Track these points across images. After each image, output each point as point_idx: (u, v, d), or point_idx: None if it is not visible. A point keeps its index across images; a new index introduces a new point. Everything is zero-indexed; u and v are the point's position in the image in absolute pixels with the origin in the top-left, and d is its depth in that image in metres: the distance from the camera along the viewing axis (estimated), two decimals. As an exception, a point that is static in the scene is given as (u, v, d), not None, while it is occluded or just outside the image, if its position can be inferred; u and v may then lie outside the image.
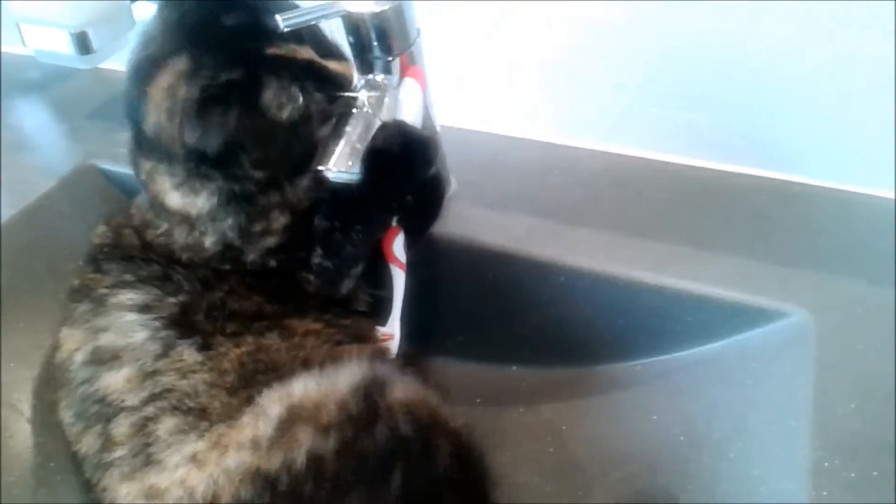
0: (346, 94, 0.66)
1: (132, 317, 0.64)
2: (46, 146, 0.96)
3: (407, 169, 0.67)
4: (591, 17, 0.78)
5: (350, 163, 0.63)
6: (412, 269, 0.78)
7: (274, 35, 0.62)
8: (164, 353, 0.62)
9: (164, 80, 0.62)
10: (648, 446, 0.68)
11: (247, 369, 0.62)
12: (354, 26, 0.65)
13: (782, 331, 0.67)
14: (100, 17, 0.90)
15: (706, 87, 0.78)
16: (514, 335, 0.80)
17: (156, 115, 0.62)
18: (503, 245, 0.77)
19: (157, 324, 0.64)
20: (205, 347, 0.63)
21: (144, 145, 0.66)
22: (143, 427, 0.59)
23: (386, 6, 0.63)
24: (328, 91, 0.65)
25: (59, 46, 0.90)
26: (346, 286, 0.70)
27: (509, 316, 0.79)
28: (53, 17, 0.89)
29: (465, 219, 0.80)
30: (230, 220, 0.66)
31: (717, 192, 0.80)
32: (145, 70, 0.63)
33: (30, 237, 0.82)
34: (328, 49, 0.67)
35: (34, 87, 1.05)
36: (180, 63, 0.61)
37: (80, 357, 0.64)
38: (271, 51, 0.63)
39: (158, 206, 0.68)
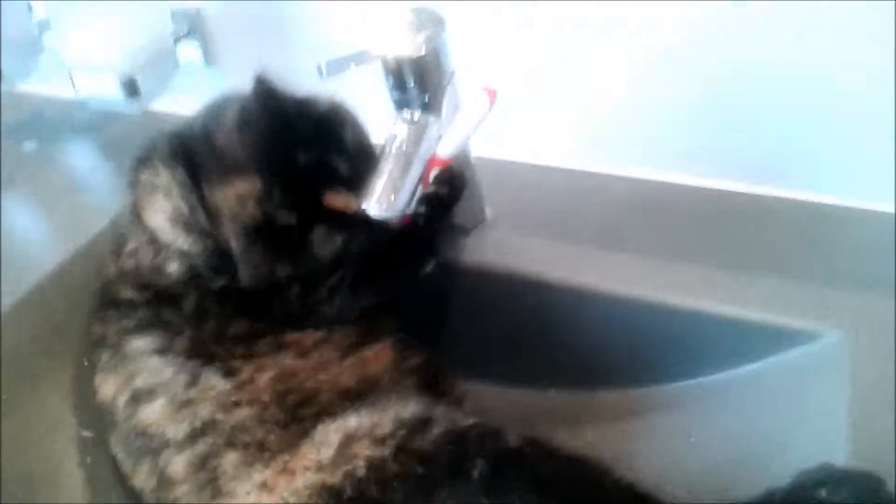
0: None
1: (156, 359, 0.68)
2: (98, 187, 0.99)
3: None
4: (620, 47, 0.81)
5: (392, 199, 0.65)
6: (450, 298, 0.81)
7: (337, 181, 0.70)
8: (194, 382, 0.66)
9: (237, 188, 0.69)
10: (689, 468, 0.70)
11: (287, 402, 0.64)
12: (392, 67, 0.67)
13: (818, 351, 0.68)
14: (146, 61, 0.94)
15: (739, 111, 0.80)
16: (553, 360, 0.81)
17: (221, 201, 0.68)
18: (540, 272, 0.79)
19: (179, 359, 0.67)
20: (229, 373, 0.66)
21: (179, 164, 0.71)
22: (203, 464, 0.62)
23: (422, 52, 0.65)
24: (369, 238, 0.71)
25: (108, 91, 0.95)
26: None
27: (548, 342, 0.81)
28: (103, 62, 0.94)
29: (501, 247, 0.82)
30: (201, 253, 0.70)
31: (748, 214, 0.81)
32: (212, 162, 0.71)
33: (86, 277, 0.85)
34: None
35: (83, 129, 1.09)
36: (253, 183, 0.69)
37: (122, 400, 0.68)
38: (330, 199, 0.70)
39: (135, 216, 0.73)
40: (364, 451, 0.59)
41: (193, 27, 1.01)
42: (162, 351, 0.68)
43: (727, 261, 0.76)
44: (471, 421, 0.61)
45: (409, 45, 0.66)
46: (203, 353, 0.67)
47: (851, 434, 0.61)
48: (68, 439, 0.76)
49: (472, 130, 0.71)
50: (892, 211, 0.78)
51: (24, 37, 1.01)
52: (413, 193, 0.67)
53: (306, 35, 0.93)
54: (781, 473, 0.63)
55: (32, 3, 1.01)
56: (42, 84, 1.13)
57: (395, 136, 0.69)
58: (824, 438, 0.63)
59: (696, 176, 0.86)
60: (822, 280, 0.72)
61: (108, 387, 0.69)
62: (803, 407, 0.67)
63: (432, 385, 0.71)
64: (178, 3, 0.99)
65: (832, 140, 0.78)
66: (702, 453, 0.71)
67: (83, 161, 1.06)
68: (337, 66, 0.63)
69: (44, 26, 1.03)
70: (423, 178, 0.70)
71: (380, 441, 0.59)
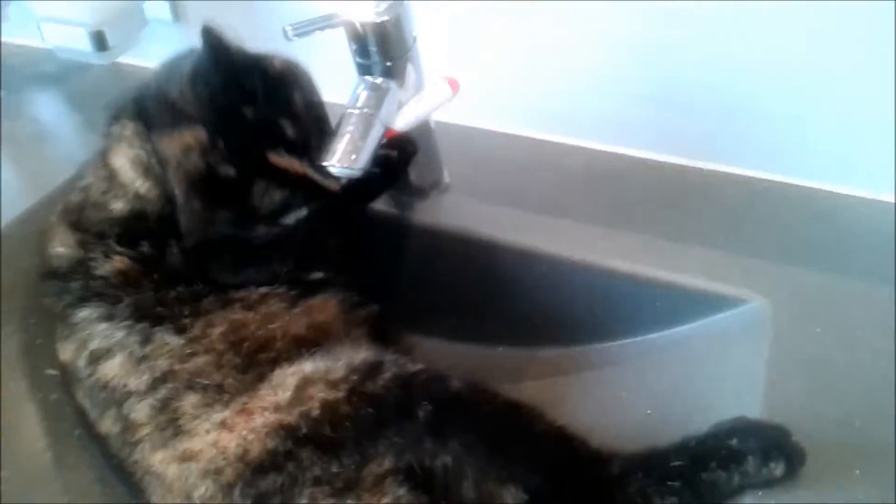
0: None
1: (104, 325, 0.70)
2: (66, 136, 1.01)
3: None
4: (582, 21, 0.84)
5: (353, 158, 0.69)
6: (405, 257, 0.85)
7: (282, 141, 0.73)
8: (147, 341, 0.69)
9: (183, 138, 0.72)
10: (619, 419, 0.75)
11: (243, 349, 0.68)
12: (356, 34, 0.71)
13: (743, 316, 0.73)
14: (115, 17, 0.95)
15: (692, 90, 0.84)
16: (500, 318, 0.86)
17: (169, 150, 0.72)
18: (491, 235, 0.83)
19: (127, 322, 0.70)
20: (180, 331, 0.69)
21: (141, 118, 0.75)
22: (165, 406, 0.65)
23: (385, 17, 0.69)
24: (313, 199, 0.75)
25: (78, 43, 0.96)
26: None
27: (496, 301, 0.86)
28: (72, 15, 0.95)
29: (456, 210, 0.86)
30: (153, 200, 0.74)
31: (690, 188, 0.86)
32: (165, 115, 0.74)
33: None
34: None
35: (50, 79, 1.11)
36: (199, 134, 0.72)
37: (81, 362, 0.71)
38: (273, 159, 0.72)
39: (100, 158, 0.77)
40: (319, 393, 0.63)
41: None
42: (108, 318, 0.70)
43: (667, 232, 0.80)
44: (418, 367, 0.65)
45: (372, 12, 0.69)
46: (149, 315, 0.70)
47: (766, 392, 0.66)
48: (31, 378, 0.79)
49: (429, 113, 0.75)
50: (820, 188, 0.83)
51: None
52: (372, 154, 0.70)
53: (274, 15, 0.95)
54: (702, 425, 0.68)
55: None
56: (9, 36, 1.13)
57: (357, 99, 0.72)
58: (742, 395, 0.68)
59: (644, 150, 0.90)
60: (750, 253, 0.77)
61: (65, 352, 0.72)
62: (726, 367, 0.72)
63: (381, 335, 0.75)
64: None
65: (768, 119, 0.83)
66: (632, 406, 0.76)
67: (50, 111, 1.08)
68: (302, 29, 0.66)
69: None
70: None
71: (333, 385, 0.63)
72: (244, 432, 0.62)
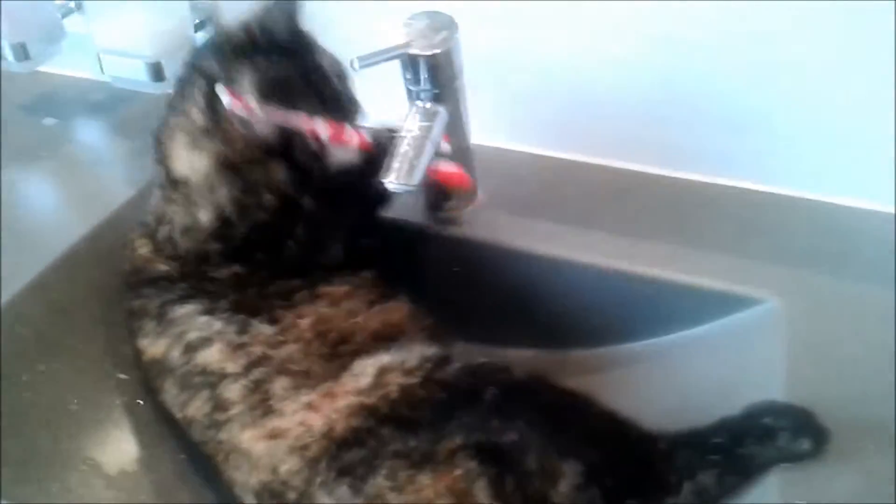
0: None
1: (203, 318, 0.77)
2: (116, 162, 1.08)
3: None
4: (601, 49, 0.92)
5: (410, 175, 0.76)
6: (443, 268, 0.92)
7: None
8: (244, 330, 0.75)
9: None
10: (651, 412, 0.81)
11: (328, 340, 0.75)
12: (411, 64, 0.79)
13: (760, 315, 0.80)
14: (171, 49, 1.03)
15: (705, 110, 0.92)
16: (533, 323, 0.93)
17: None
18: (523, 245, 0.90)
19: (225, 315, 0.77)
20: (273, 321, 0.76)
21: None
22: (257, 388, 0.71)
23: (438, 51, 0.77)
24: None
25: (136, 74, 1.04)
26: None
27: (529, 307, 0.92)
28: (131, 48, 1.03)
29: (491, 224, 0.93)
30: (225, 190, 0.79)
31: (704, 201, 0.93)
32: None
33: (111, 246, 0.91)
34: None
35: (99, 108, 1.18)
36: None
37: (175, 353, 0.76)
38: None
39: (165, 180, 0.81)
40: (396, 379, 0.70)
41: (209, 17, 1.11)
42: (209, 311, 0.77)
43: (687, 240, 0.87)
44: (483, 359, 0.73)
45: (427, 45, 0.77)
46: (246, 309, 0.77)
47: (787, 380, 0.73)
48: (105, 383, 0.85)
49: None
50: (826, 200, 0.91)
51: (49, 21, 1.10)
52: (425, 169, 0.78)
53: (319, 31, 1.03)
54: (731, 412, 0.74)
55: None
56: (63, 66, 1.21)
57: (410, 122, 0.80)
58: (764, 384, 0.74)
59: (660, 167, 0.98)
60: (766, 256, 0.84)
61: (156, 347, 0.77)
62: (748, 360, 0.79)
63: (438, 338, 0.82)
64: (198, -5, 1.09)
65: (778, 138, 0.91)
66: (662, 400, 0.83)
67: (100, 137, 1.15)
68: (367, 61, 0.73)
69: (67, 11, 1.12)
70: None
71: (409, 372, 0.70)
72: (329, 412, 0.69)
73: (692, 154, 0.96)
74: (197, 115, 0.79)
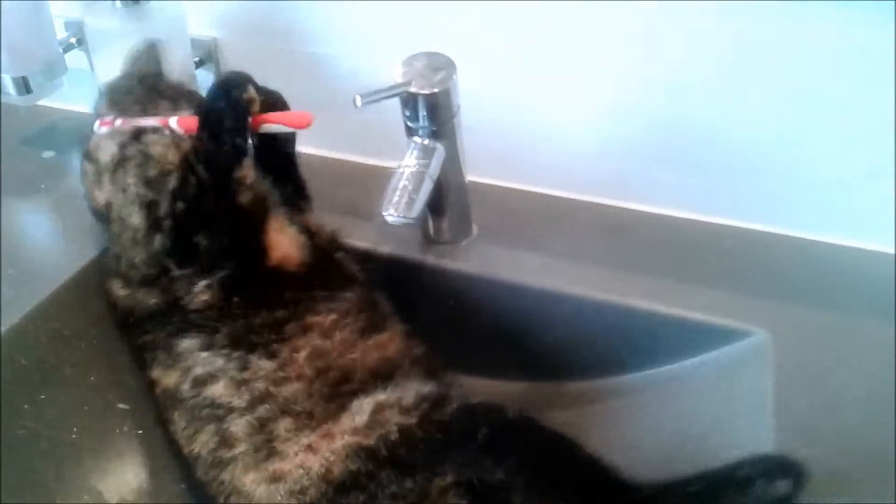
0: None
1: (205, 353, 0.78)
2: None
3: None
4: (593, 93, 0.95)
5: (409, 208, 0.78)
6: (439, 301, 0.94)
7: None
8: (244, 367, 0.76)
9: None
10: (639, 446, 0.84)
11: (329, 379, 0.76)
12: (410, 101, 0.81)
13: (748, 347, 0.83)
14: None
15: (694, 150, 0.95)
16: (526, 355, 0.95)
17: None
18: (517, 278, 0.92)
19: (224, 351, 0.78)
20: (271, 356, 0.77)
21: None
22: (262, 427, 0.73)
23: (437, 89, 0.80)
24: None
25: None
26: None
27: (523, 339, 0.94)
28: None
29: (485, 258, 0.95)
30: (138, 189, 0.83)
31: (697, 238, 0.96)
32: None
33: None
34: None
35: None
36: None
37: (185, 385, 0.77)
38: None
39: (98, 219, 0.90)
40: (394, 419, 0.71)
41: (207, 55, 1.13)
42: (208, 347, 0.78)
43: (677, 275, 0.90)
44: (478, 400, 0.75)
45: (426, 84, 0.80)
46: (243, 343, 0.78)
47: (773, 413, 0.75)
48: (106, 412, 0.86)
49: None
50: (816, 238, 0.94)
51: (50, 55, 1.11)
52: (424, 203, 0.80)
53: (312, 70, 1.06)
54: (717, 447, 0.77)
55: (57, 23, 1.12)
56: (63, 101, 1.23)
57: (409, 157, 0.82)
58: (751, 417, 0.77)
59: (650, 205, 1.00)
60: (754, 291, 0.87)
61: (169, 378, 0.79)
62: (735, 393, 0.82)
63: (431, 372, 0.83)
64: (197, 33, 1.11)
65: (767, 176, 0.94)
66: (651, 434, 0.85)
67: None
68: (369, 99, 0.76)
69: (68, 46, 1.15)
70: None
71: (406, 411, 0.72)
72: (326, 453, 0.70)
73: (685, 193, 0.98)
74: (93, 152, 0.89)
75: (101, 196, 0.87)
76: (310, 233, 0.88)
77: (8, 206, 1.04)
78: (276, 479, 0.70)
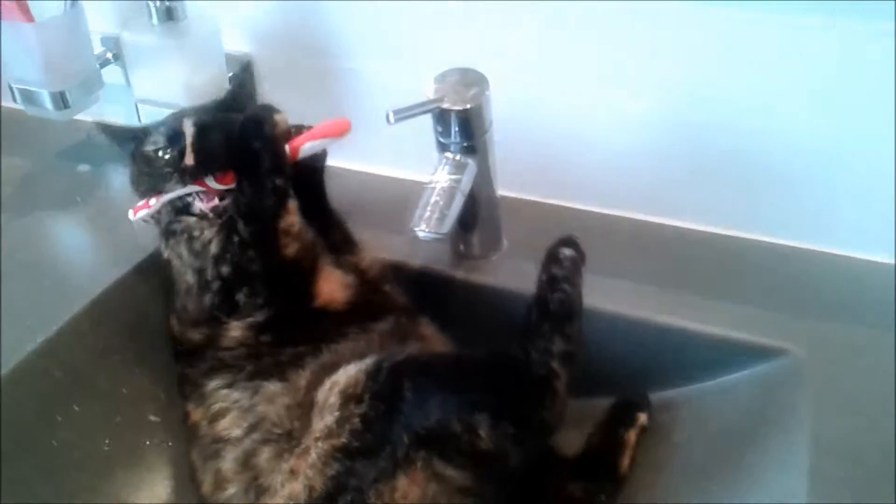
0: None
1: (225, 391, 0.80)
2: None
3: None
4: (625, 108, 0.95)
5: (440, 224, 0.78)
6: (469, 314, 0.94)
7: None
8: (256, 391, 0.78)
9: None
10: (672, 462, 0.83)
11: (315, 376, 0.77)
12: (443, 118, 0.81)
13: (785, 365, 0.81)
14: (206, 99, 1.06)
15: (726, 164, 0.94)
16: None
17: None
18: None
19: (244, 383, 0.79)
20: (283, 380, 0.78)
21: None
22: (246, 462, 0.74)
23: (469, 105, 0.80)
24: None
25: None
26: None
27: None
28: (167, 98, 1.06)
29: (515, 272, 0.95)
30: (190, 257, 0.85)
31: (732, 254, 0.95)
32: None
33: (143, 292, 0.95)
34: None
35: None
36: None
37: (204, 423, 0.80)
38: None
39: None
40: (355, 409, 0.71)
41: (242, 69, 1.14)
42: (230, 384, 0.80)
43: (712, 292, 0.89)
44: (396, 358, 0.74)
45: (458, 100, 0.80)
46: (263, 374, 0.79)
47: (810, 431, 0.74)
48: (137, 425, 0.87)
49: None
50: (850, 255, 0.93)
51: (87, 71, 1.13)
52: (454, 219, 0.80)
53: (346, 85, 1.07)
54: (751, 466, 0.77)
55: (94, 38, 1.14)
56: (99, 115, 1.24)
57: (440, 173, 0.82)
58: (787, 437, 0.76)
59: (682, 220, 1.00)
60: (791, 309, 0.86)
61: (196, 414, 0.81)
62: (770, 413, 0.80)
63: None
64: (233, 48, 1.12)
65: (800, 192, 0.93)
66: (681, 452, 0.84)
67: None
68: (402, 115, 0.76)
69: (105, 62, 1.16)
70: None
71: (359, 398, 0.71)
72: (307, 472, 0.70)
73: (718, 208, 0.98)
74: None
75: (164, 252, 0.89)
76: (359, 271, 0.90)
77: (44, 219, 1.06)
78: None
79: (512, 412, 0.71)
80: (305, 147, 0.83)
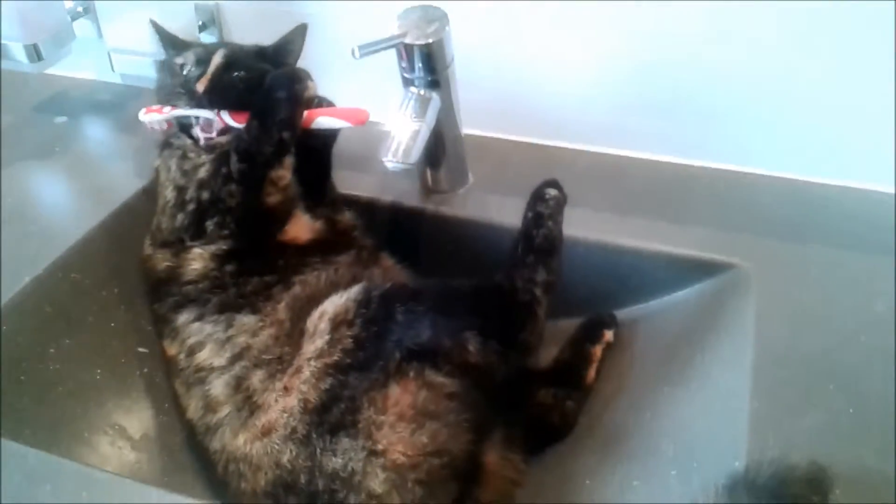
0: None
1: (196, 325, 0.83)
2: (128, 156, 1.13)
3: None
4: (586, 43, 0.99)
5: (406, 154, 0.83)
6: (437, 245, 0.99)
7: None
8: (230, 324, 0.81)
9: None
10: (632, 368, 0.90)
11: (295, 310, 0.81)
12: (406, 53, 0.86)
13: (732, 278, 0.87)
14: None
15: (684, 97, 0.99)
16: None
17: None
18: (512, 223, 0.95)
19: (214, 316, 0.83)
20: (255, 311, 0.82)
21: None
22: (238, 385, 0.77)
23: (431, 40, 0.84)
24: None
25: (144, 71, 1.10)
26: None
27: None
28: (140, 47, 1.09)
29: (481, 204, 1.00)
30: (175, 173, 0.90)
31: (687, 182, 1.01)
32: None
33: (122, 233, 0.99)
34: None
35: (106, 107, 1.24)
36: None
37: (182, 356, 0.83)
38: None
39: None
40: (346, 331, 0.76)
41: (210, 19, 1.17)
42: (200, 317, 0.83)
43: (666, 216, 0.95)
44: (386, 286, 0.81)
45: (421, 34, 0.84)
46: (230, 305, 0.83)
47: (754, 335, 0.80)
48: (126, 356, 0.92)
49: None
50: (790, 177, 0.99)
51: (59, 23, 1.15)
52: (421, 150, 0.84)
53: (313, 30, 1.09)
54: (701, 365, 0.83)
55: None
56: (72, 69, 1.27)
57: (406, 107, 0.87)
58: (733, 341, 0.82)
59: (641, 151, 1.05)
60: (739, 229, 0.92)
61: (171, 349, 0.84)
62: (719, 322, 0.86)
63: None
64: (201, -1, 1.15)
65: (752, 121, 0.98)
66: (641, 358, 0.91)
67: (109, 134, 1.20)
68: (367, 49, 0.80)
69: (75, 15, 1.19)
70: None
71: (350, 323, 0.77)
72: (301, 387, 0.74)
73: (673, 139, 1.03)
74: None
75: (156, 161, 0.94)
76: (330, 221, 0.94)
77: (26, 169, 1.09)
78: (266, 432, 0.74)
79: (498, 332, 0.78)
80: (320, 120, 0.88)
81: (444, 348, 0.76)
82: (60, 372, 0.87)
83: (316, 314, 0.80)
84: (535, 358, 0.88)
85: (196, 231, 0.87)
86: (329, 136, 0.95)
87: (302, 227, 0.91)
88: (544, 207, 0.84)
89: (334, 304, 0.79)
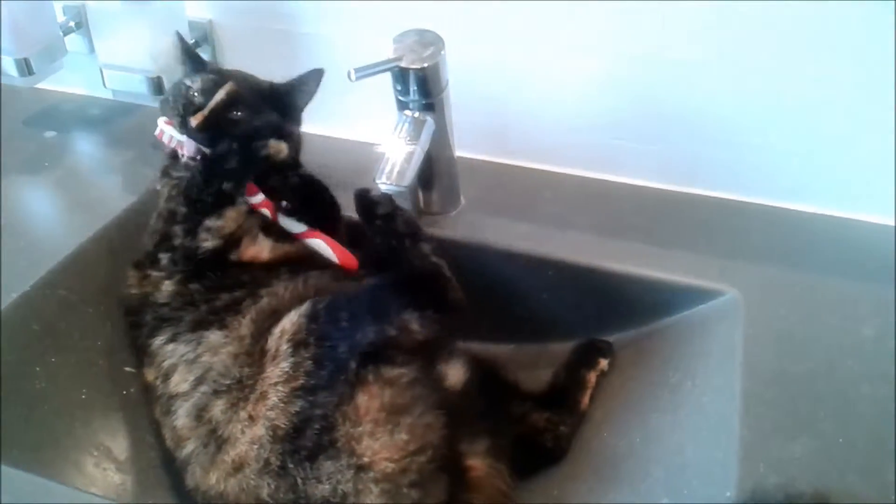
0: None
1: (170, 346, 0.82)
2: (118, 171, 1.13)
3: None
4: (578, 71, 1.00)
5: (400, 177, 0.83)
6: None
7: None
8: (199, 343, 0.80)
9: None
10: (621, 393, 0.90)
11: (258, 325, 0.80)
12: (402, 77, 0.86)
13: (721, 305, 0.88)
14: (169, 64, 1.09)
15: (676, 123, 1.00)
16: (512, 317, 1.00)
17: None
18: (503, 244, 0.98)
19: (185, 336, 0.81)
20: (223, 327, 0.80)
21: None
22: (199, 416, 0.76)
23: (426, 64, 0.84)
24: None
25: (136, 87, 1.10)
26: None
27: (509, 302, 0.99)
28: (133, 63, 1.09)
29: (473, 226, 1.01)
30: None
31: (677, 208, 1.01)
32: None
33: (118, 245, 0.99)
34: None
35: (96, 122, 1.24)
36: None
37: (158, 381, 0.81)
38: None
39: None
40: (305, 352, 0.74)
41: (203, 37, 1.17)
42: (172, 339, 0.82)
43: (659, 242, 0.95)
44: (327, 297, 0.80)
45: (416, 59, 0.85)
46: (201, 323, 0.82)
47: (744, 361, 0.80)
48: (112, 375, 0.91)
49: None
50: (781, 206, 1.00)
51: (50, 39, 1.15)
52: (415, 172, 0.85)
53: (306, 50, 1.10)
54: (689, 392, 0.83)
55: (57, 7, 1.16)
56: (62, 84, 1.27)
57: (400, 130, 0.87)
58: (721, 366, 0.82)
59: (634, 177, 1.06)
60: (727, 255, 0.92)
61: (150, 374, 0.83)
62: (707, 347, 0.86)
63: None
64: (194, 16, 1.15)
65: (741, 149, 0.99)
66: (630, 383, 0.91)
67: (99, 149, 1.20)
68: (363, 73, 0.81)
69: (67, 30, 1.18)
70: None
71: (303, 343, 0.75)
72: (268, 413, 0.72)
73: (663, 165, 1.04)
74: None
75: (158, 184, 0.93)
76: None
77: (15, 184, 1.08)
78: (237, 467, 0.72)
79: (429, 301, 0.83)
80: (317, 241, 0.91)
81: (391, 339, 0.78)
82: (46, 391, 0.86)
83: (277, 332, 0.78)
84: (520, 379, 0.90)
85: (151, 261, 0.87)
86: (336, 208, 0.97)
87: (261, 249, 0.89)
88: (381, 208, 0.87)
89: (290, 321, 0.78)
